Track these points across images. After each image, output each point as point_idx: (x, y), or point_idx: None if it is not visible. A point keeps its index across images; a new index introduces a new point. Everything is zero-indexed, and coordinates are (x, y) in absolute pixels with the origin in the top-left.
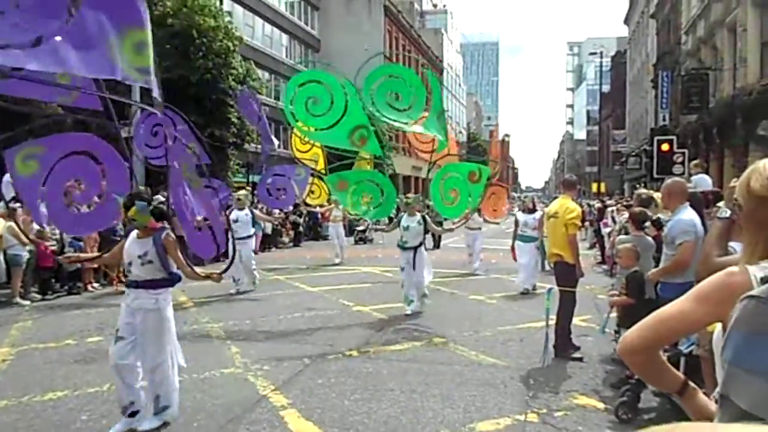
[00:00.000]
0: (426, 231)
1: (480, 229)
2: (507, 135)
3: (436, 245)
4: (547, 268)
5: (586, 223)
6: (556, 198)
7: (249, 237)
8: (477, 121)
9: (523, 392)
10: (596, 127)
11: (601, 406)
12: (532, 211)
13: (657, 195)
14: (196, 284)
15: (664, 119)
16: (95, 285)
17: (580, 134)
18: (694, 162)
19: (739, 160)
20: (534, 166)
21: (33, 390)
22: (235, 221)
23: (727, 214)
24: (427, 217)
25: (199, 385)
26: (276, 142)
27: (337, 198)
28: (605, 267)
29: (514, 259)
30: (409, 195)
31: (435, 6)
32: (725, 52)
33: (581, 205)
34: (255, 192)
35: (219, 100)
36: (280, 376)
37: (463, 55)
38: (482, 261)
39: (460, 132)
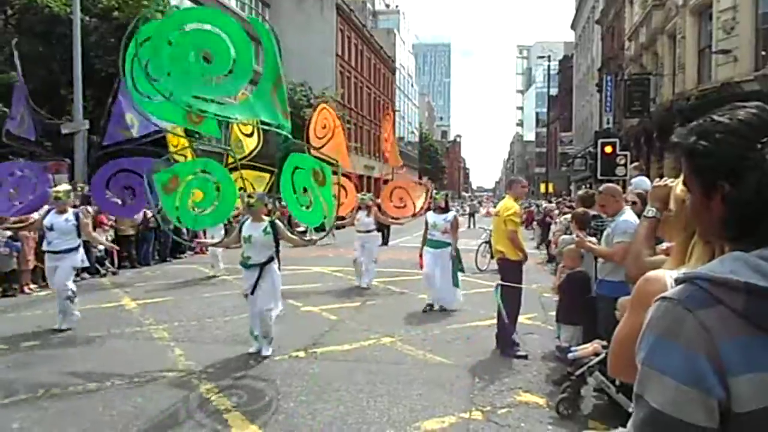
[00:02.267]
0: (277, 242)
1: (370, 232)
2: (459, 135)
3: (385, 242)
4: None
5: (534, 223)
6: (504, 198)
7: (70, 251)
8: (429, 122)
9: (468, 390)
10: (545, 129)
11: (543, 402)
12: (444, 210)
13: None
14: (139, 284)
15: (608, 122)
16: (32, 287)
17: (530, 136)
18: (634, 164)
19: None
20: (485, 167)
21: None
22: (50, 228)
23: (654, 213)
24: (278, 222)
25: (140, 390)
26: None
27: (162, 204)
28: (552, 265)
29: (421, 266)
30: (252, 194)
31: (387, 6)
32: (665, 58)
33: (530, 205)
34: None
35: None
36: (225, 378)
37: (416, 55)
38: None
39: (412, 132)
